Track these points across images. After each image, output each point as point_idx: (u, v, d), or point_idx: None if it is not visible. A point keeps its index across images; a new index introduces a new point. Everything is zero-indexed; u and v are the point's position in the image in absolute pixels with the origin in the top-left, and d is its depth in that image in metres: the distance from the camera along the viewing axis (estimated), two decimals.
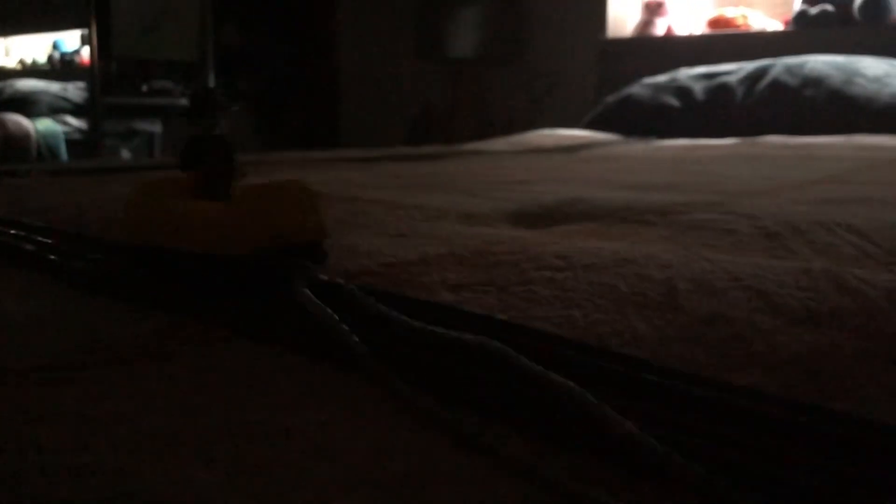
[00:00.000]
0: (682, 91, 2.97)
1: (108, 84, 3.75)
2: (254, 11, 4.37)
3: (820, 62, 2.83)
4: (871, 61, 2.79)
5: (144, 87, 3.90)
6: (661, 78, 3.07)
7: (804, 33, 3.21)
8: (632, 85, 3.11)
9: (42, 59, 4.83)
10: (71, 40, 4.49)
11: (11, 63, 4.98)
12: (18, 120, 4.03)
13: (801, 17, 3.24)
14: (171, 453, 0.35)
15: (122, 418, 0.38)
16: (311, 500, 0.31)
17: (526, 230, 0.90)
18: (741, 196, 1.15)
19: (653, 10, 3.48)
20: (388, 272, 0.67)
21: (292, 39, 4.42)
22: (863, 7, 3.10)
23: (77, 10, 3.74)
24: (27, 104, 4.27)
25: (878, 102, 2.62)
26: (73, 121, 4.20)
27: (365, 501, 0.31)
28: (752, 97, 2.85)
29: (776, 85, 2.82)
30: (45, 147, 4.15)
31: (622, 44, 3.54)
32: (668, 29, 3.51)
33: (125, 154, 3.89)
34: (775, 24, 3.39)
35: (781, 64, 2.88)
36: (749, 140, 2.58)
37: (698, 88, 2.96)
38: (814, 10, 3.19)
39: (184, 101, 4.01)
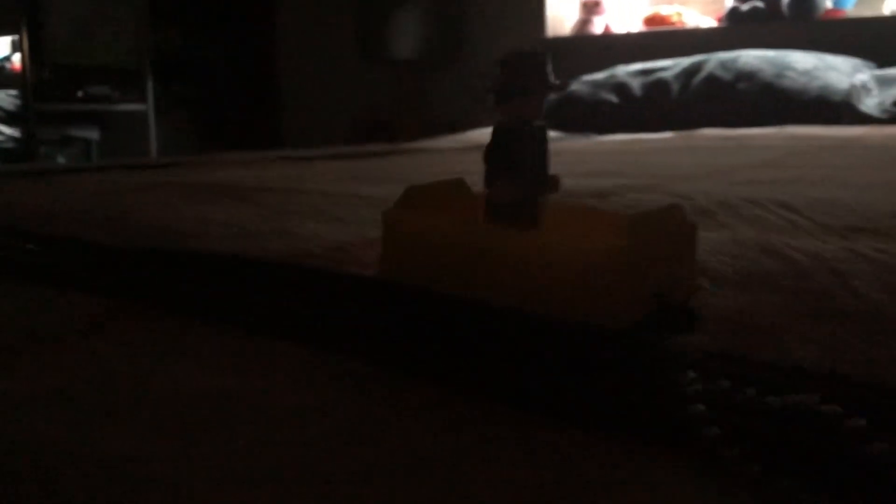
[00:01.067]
0: (620, 87, 3.03)
1: (42, 90, 3.66)
2: (192, 14, 4.31)
3: (752, 57, 2.91)
4: (800, 55, 2.88)
5: (80, 94, 3.81)
6: (600, 75, 3.12)
7: (736, 29, 3.29)
8: (571, 82, 3.15)
9: None
10: (1, 47, 4.37)
11: None
12: None
13: (733, 13, 3.33)
14: (110, 423, 0.34)
15: (59, 394, 0.38)
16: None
17: None
18: (677, 180, 1.18)
19: (590, 9, 3.54)
20: (329, 255, 0.67)
21: (231, 42, 4.37)
22: (791, 3, 3.20)
23: (7, 16, 3.64)
24: None
25: (807, 94, 2.71)
26: (4, 129, 4.09)
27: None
28: (687, 92, 2.92)
29: (711, 79, 2.89)
30: None
31: (562, 42, 3.59)
32: (606, 27, 3.57)
33: (61, 161, 3.79)
34: (709, 21, 3.48)
35: (715, 59, 2.95)
36: (686, 133, 2.64)
37: (636, 84, 3.02)
38: (745, 7, 3.28)
39: (123, 107, 3.94)
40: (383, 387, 0.38)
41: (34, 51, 3.61)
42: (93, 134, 3.98)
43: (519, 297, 0.41)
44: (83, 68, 3.81)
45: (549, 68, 0.47)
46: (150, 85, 3.98)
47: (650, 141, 2.45)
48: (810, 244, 0.68)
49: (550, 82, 0.47)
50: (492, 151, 0.47)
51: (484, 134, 2.26)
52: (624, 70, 3.11)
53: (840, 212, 0.85)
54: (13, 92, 3.99)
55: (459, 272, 0.44)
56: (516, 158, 0.46)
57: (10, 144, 4.01)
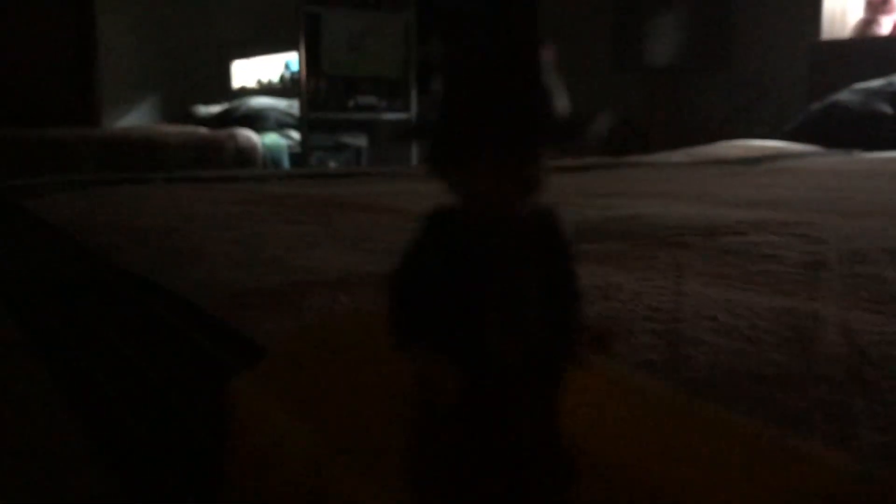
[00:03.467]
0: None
1: (317, 101, 4.01)
2: (456, 27, 4.47)
3: None
4: None
5: (351, 103, 4.12)
6: (876, 83, 2.73)
7: None
8: (840, 91, 2.79)
9: (275, 78, 5.29)
10: (293, 61, 4.86)
11: (251, 83, 5.50)
12: (248, 134, 4.43)
13: None
14: None
15: None
16: None
17: None
18: (844, 217, 0.98)
19: (877, 7, 3.11)
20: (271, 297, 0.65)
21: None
22: None
23: (289, 33, 4.05)
24: (258, 120, 4.70)
25: None
26: (296, 135, 4.55)
27: None
28: None
29: None
30: (270, 159, 4.54)
31: (838, 46, 3.19)
32: (895, 26, 3.11)
33: (333, 166, 4.13)
34: None
35: None
36: None
37: None
38: None
39: (390, 116, 4.20)
40: None
41: (311, 64, 3.96)
42: (361, 141, 4.28)
43: None
44: (354, 80, 4.11)
45: (551, 83, 0.24)
46: (413, 94, 4.20)
47: None
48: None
49: (555, 119, 0.23)
50: (416, 274, 0.22)
51: (729, 147, 2.16)
52: None
53: None
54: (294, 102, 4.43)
55: None
56: (480, 293, 0.21)
57: (297, 149, 4.46)
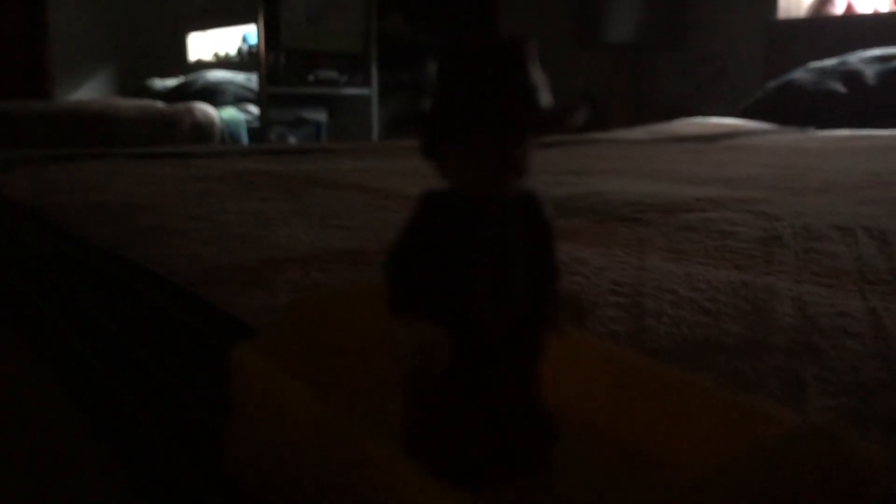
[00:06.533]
0: (850, 76, 2.68)
1: (276, 74, 3.97)
2: (417, 1, 4.45)
3: None
4: None
5: (311, 78, 4.09)
6: (830, 62, 2.79)
7: None
8: (795, 70, 2.85)
9: (233, 51, 5.21)
10: (251, 34, 4.79)
11: (208, 56, 5.41)
12: (206, 109, 4.37)
13: None
14: None
15: None
16: None
17: None
18: (799, 194, 1.02)
19: None
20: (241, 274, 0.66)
21: (454, 28, 4.45)
22: None
23: (247, 5, 4.00)
24: (215, 94, 4.63)
25: None
26: (254, 109, 4.50)
27: None
28: None
29: None
30: (228, 134, 4.49)
31: (793, 25, 3.25)
32: (849, 6, 3.17)
33: (292, 141, 4.10)
34: None
35: None
36: None
37: (870, 73, 2.66)
38: None
39: (350, 91, 4.18)
40: None
41: (270, 37, 3.92)
42: (321, 116, 4.25)
43: None
44: (314, 54, 4.08)
45: (537, 76, 0.25)
46: (374, 70, 4.18)
47: (871, 139, 2.15)
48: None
49: (538, 105, 0.24)
50: (411, 250, 0.24)
51: (687, 125, 2.19)
52: (859, 56, 2.75)
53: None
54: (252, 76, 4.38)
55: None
56: (471, 269, 0.23)
57: (255, 124, 4.41)
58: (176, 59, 5.45)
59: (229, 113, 4.53)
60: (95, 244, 0.72)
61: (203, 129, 4.33)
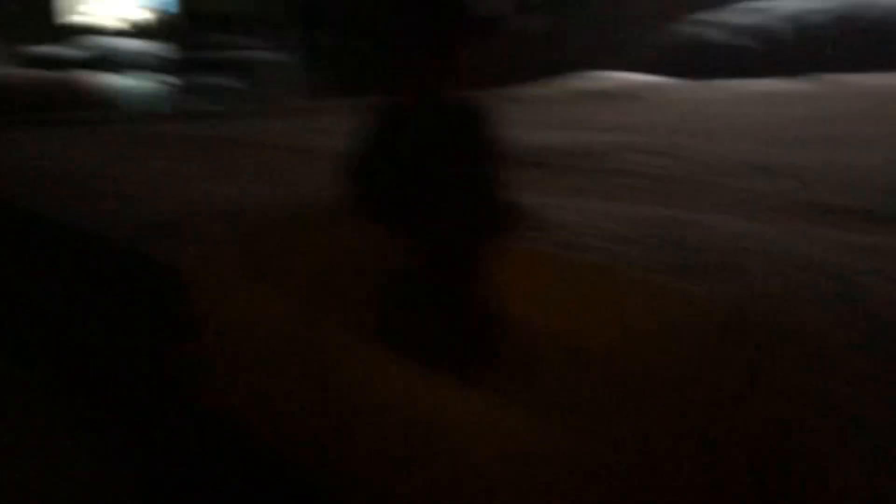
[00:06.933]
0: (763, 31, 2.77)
1: (186, 40, 3.85)
2: None
3: None
4: None
5: (221, 42, 3.98)
6: (744, 18, 2.87)
7: None
8: (691, 22, 2.93)
9: (138, 17, 5.00)
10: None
11: (110, 21, 5.18)
12: (90, 77, 4.17)
13: None
14: None
15: None
16: None
17: None
18: (714, 137, 1.07)
19: None
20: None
21: None
22: None
23: None
24: (114, 62, 4.45)
25: None
26: (163, 77, 4.35)
27: None
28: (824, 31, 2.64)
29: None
30: (139, 101, 4.32)
31: None
32: None
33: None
34: None
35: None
36: (829, 79, 2.36)
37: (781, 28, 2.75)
38: None
39: (264, 56, 4.07)
40: None
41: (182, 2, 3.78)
42: (235, 82, 4.15)
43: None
44: (228, 18, 3.96)
45: None
46: (291, 35, 4.08)
47: (770, 89, 2.24)
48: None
49: (472, 14, 0.23)
50: (366, 162, 0.24)
51: (594, 79, 2.17)
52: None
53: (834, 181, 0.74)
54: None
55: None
56: (406, 176, 0.22)
57: (166, 91, 4.27)
58: (48, 24, 5.12)
59: (128, 81, 4.36)
60: (25, 207, 0.71)
61: (91, 99, 4.15)
